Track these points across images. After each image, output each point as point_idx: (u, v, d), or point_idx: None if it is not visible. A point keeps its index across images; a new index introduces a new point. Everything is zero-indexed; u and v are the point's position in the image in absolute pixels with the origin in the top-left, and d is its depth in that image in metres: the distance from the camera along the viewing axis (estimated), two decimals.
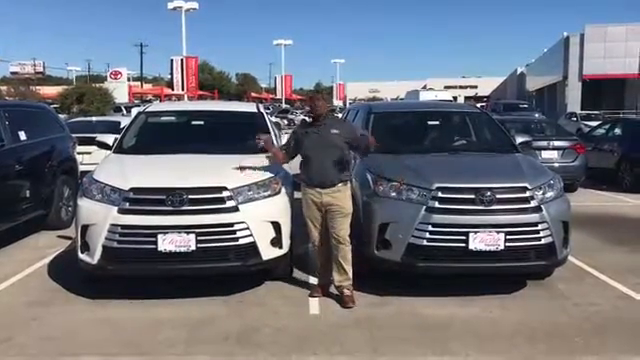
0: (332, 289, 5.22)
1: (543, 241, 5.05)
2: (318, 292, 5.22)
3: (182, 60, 42.03)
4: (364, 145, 5.09)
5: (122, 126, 9.51)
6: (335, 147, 4.97)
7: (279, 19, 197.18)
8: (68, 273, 5.75)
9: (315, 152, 5.00)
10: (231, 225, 4.92)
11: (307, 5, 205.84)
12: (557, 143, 11.76)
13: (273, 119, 18.45)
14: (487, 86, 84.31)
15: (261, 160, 5.52)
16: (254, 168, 5.31)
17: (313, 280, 5.52)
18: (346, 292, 5.04)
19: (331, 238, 5.02)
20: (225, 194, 4.97)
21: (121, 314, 4.86)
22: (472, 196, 5.00)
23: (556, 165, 10.76)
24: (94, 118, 15.75)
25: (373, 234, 5.16)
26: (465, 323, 4.70)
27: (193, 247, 4.83)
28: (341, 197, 5.00)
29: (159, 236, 4.79)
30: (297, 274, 5.79)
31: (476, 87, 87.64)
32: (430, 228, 4.96)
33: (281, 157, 5.38)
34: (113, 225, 4.86)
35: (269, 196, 5.15)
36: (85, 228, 5.03)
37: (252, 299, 5.21)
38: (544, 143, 11.65)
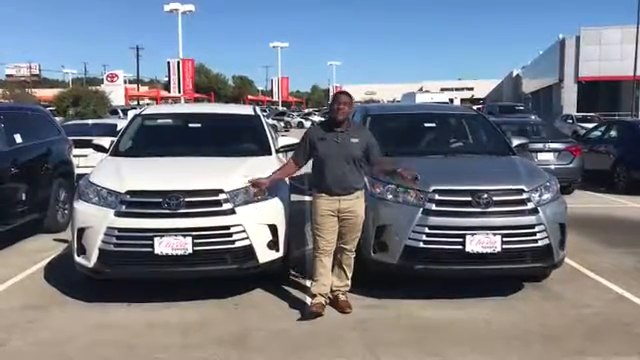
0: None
1: (540, 243, 5.06)
2: (319, 307, 4.84)
3: (178, 62, 42.13)
4: (375, 157, 4.96)
5: (118, 129, 9.48)
6: (354, 157, 4.83)
7: (275, 22, 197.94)
8: (64, 277, 5.74)
9: (332, 160, 4.79)
10: (228, 228, 4.91)
11: (303, 8, 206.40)
12: (553, 145, 11.79)
13: (270, 121, 18.41)
14: (483, 88, 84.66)
15: (258, 162, 5.50)
16: (251, 170, 5.30)
17: (309, 283, 5.48)
18: (342, 297, 5.02)
19: (341, 247, 4.92)
20: (222, 197, 4.96)
21: (116, 317, 4.85)
22: (469, 198, 5.01)
23: (552, 167, 10.78)
24: (90, 121, 15.58)
25: (370, 236, 5.15)
26: (462, 325, 4.70)
27: (190, 250, 4.81)
28: (358, 204, 4.88)
29: (156, 239, 4.78)
30: (294, 277, 5.78)
31: (472, 89, 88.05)
32: (427, 230, 4.96)
33: (291, 171, 5.18)
34: (110, 228, 4.84)
35: (266, 199, 5.14)
36: (81, 231, 5.02)
37: (248, 302, 5.20)
38: (540, 145, 11.67)
